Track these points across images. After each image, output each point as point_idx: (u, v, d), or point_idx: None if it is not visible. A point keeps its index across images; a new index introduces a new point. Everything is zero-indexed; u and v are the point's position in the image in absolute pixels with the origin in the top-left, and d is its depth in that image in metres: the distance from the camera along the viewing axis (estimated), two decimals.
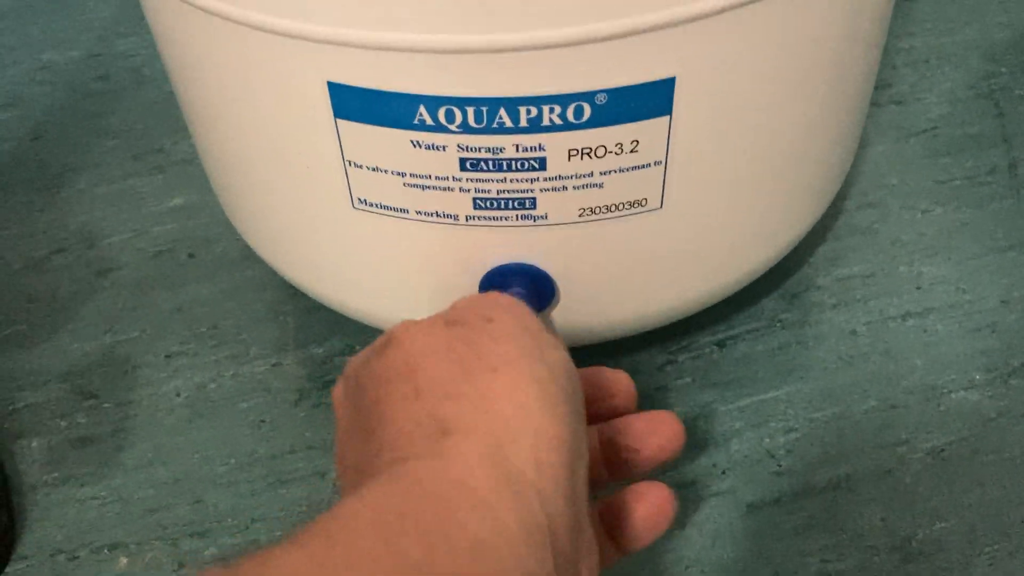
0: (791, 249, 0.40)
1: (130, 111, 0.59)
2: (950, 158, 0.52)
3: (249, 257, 0.49)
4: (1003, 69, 0.57)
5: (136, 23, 0.67)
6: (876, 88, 0.56)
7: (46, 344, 0.46)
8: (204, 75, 0.32)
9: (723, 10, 0.27)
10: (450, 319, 0.26)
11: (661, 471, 0.39)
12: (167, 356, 0.45)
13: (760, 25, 0.28)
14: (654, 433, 0.30)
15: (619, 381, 0.32)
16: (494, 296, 0.27)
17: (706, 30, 0.27)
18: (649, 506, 0.29)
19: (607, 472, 0.31)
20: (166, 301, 0.48)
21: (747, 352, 0.43)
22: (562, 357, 0.26)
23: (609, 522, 0.29)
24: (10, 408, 0.43)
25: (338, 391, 0.29)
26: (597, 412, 0.31)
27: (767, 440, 0.40)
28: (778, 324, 0.44)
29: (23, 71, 0.63)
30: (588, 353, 0.43)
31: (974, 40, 0.59)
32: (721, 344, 0.44)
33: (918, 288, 0.45)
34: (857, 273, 0.46)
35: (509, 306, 0.27)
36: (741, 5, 0.27)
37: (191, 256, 0.50)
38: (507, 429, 0.22)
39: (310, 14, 0.27)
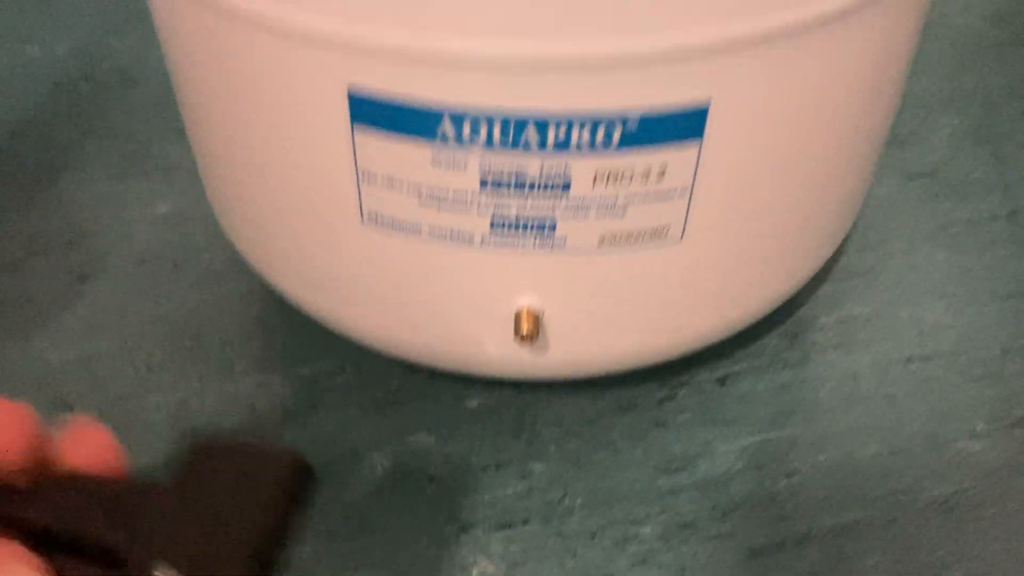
0: (805, 283, 0.39)
1: (116, 113, 0.58)
2: (951, 203, 0.52)
3: (236, 270, 0.48)
4: (1002, 117, 0.57)
5: (125, 21, 0.65)
6: None
7: (20, 350, 0.44)
8: (207, 69, 0.31)
9: (767, 34, 0.26)
10: None
11: (660, 497, 0.38)
12: (148, 369, 0.43)
13: (800, 56, 0.27)
14: None
15: None
16: None
17: (745, 56, 0.27)
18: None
19: None
20: (149, 311, 0.46)
21: (748, 390, 0.42)
22: None
23: None
24: None
25: None
26: None
27: (769, 483, 0.39)
28: (780, 363, 0.43)
29: (4, 65, 0.61)
30: (584, 385, 0.42)
31: (974, 87, 0.59)
32: (722, 381, 0.43)
33: (920, 333, 0.45)
34: (859, 315, 0.46)
35: None
36: (786, 30, 0.26)
37: (176, 265, 0.48)
38: None
39: (332, 11, 0.26)
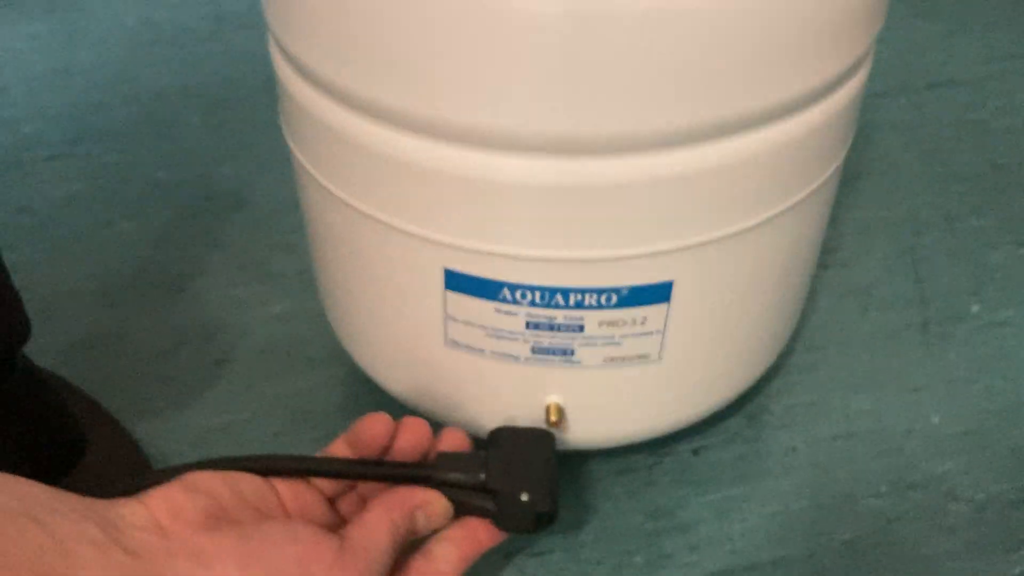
0: (751, 386, 0.54)
1: (232, 228, 0.74)
2: (878, 314, 0.67)
3: (333, 357, 0.63)
4: (925, 242, 0.73)
5: (233, 151, 0.82)
6: (826, 252, 0.71)
7: (176, 419, 0.60)
8: (348, 252, 0.47)
9: (705, 243, 0.42)
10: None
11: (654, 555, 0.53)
12: (274, 434, 0.59)
13: (729, 251, 0.43)
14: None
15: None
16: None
17: (694, 253, 0.42)
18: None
19: None
20: (271, 390, 0.62)
21: (715, 459, 0.58)
22: None
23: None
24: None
25: None
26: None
27: (726, 527, 0.54)
28: (739, 438, 0.59)
29: (143, 187, 0.78)
30: (596, 455, 0.57)
31: (905, 216, 0.75)
32: (696, 451, 0.58)
33: (846, 417, 0.60)
34: (800, 403, 0.61)
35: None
36: (717, 240, 0.42)
37: (288, 354, 0.64)
38: None
39: (442, 228, 0.42)
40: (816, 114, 0.42)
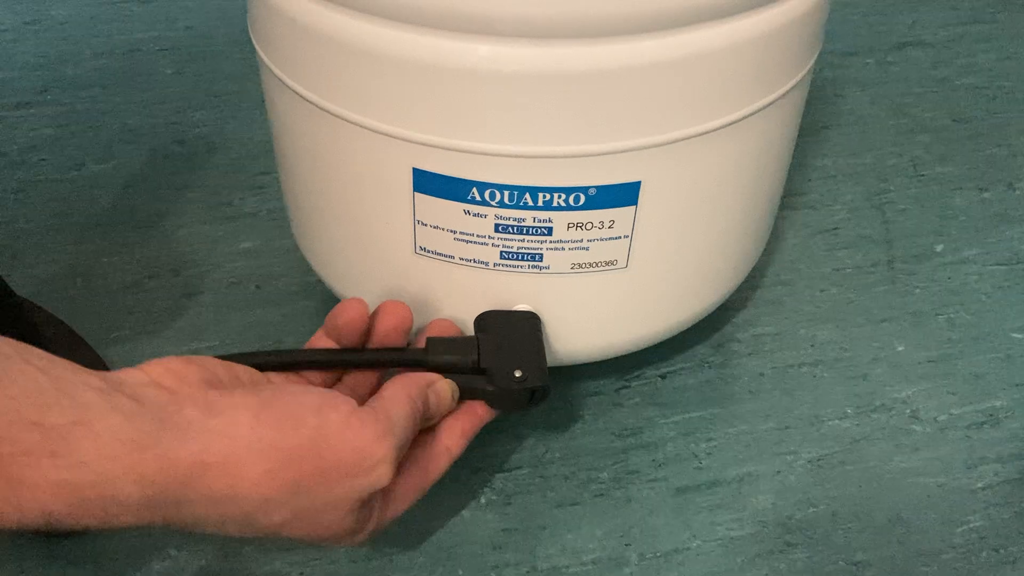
0: (718, 305, 0.55)
1: (203, 171, 0.74)
2: (845, 252, 0.68)
3: (304, 291, 0.63)
4: (891, 188, 0.74)
5: (204, 98, 0.82)
6: (794, 195, 0.72)
7: (145, 346, 0.60)
8: (315, 160, 0.47)
9: (673, 141, 0.42)
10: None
11: (622, 472, 0.53)
12: None
13: (697, 153, 0.44)
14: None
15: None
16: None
17: (662, 153, 0.43)
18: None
19: None
20: (239, 320, 0.61)
21: (682, 383, 0.58)
22: None
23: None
24: None
25: None
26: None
27: (692, 445, 0.54)
28: (706, 365, 0.59)
29: (114, 132, 0.78)
30: (563, 379, 0.57)
31: (871, 164, 0.76)
32: (663, 376, 0.58)
33: (812, 346, 0.61)
34: (767, 332, 0.61)
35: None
36: (685, 139, 0.43)
37: (258, 287, 0.64)
38: None
39: (410, 123, 0.42)
40: (782, 12, 0.42)
